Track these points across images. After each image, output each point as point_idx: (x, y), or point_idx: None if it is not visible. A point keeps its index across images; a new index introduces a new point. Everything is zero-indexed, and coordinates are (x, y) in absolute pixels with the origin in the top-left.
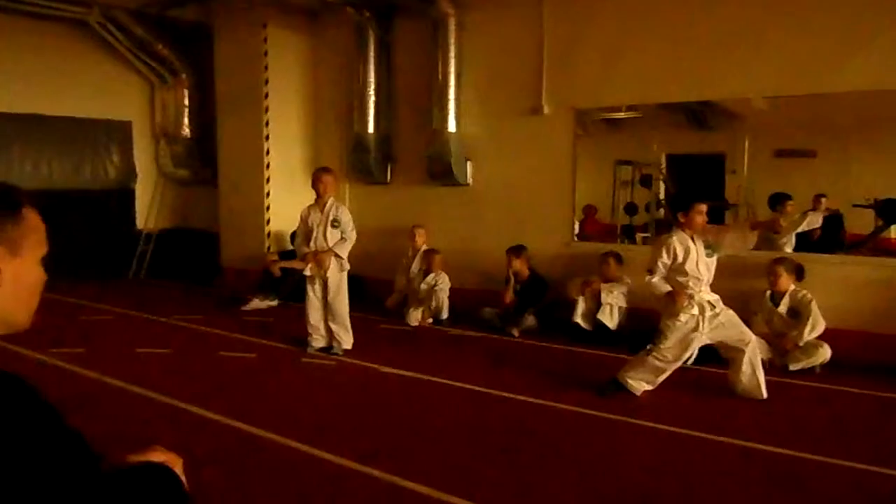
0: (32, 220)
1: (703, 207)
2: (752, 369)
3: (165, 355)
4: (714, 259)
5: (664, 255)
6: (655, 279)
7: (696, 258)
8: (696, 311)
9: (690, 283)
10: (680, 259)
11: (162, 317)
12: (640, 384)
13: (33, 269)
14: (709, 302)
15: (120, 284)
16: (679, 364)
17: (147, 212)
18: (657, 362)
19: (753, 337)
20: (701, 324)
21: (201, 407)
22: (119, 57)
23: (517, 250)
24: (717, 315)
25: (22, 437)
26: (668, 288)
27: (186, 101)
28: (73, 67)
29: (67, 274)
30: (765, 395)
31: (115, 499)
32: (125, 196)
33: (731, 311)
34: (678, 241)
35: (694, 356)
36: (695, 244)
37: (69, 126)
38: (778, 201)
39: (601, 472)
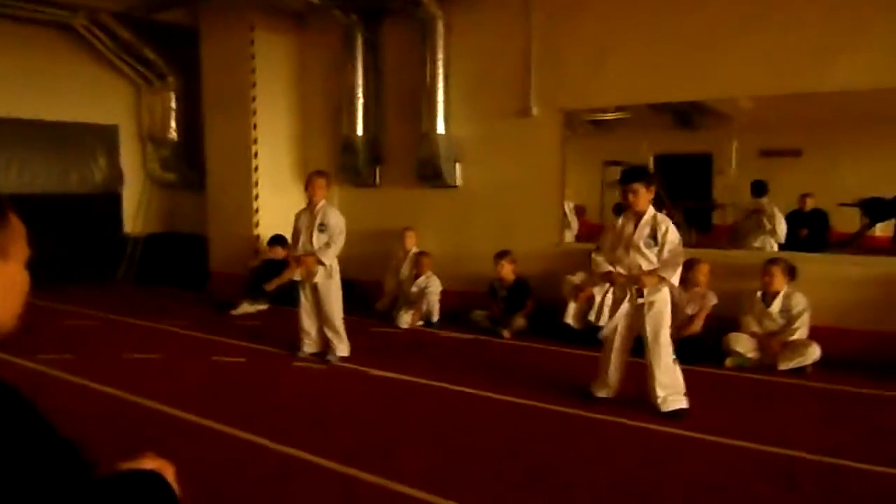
0: (16, 224)
1: (634, 187)
2: (653, 379)
3: (155, 360)
4: (652, 250)
5: (606, 233)
6: (599, 257)
7: (627, 242)
8: (619, 293)
9: (618, 266)
10: (615, 239)
11: (151, 322)
12: (598, 389)
13: (20, 272)
14: (636, 288)
15: (107, 289)
16: (614, 350)
17: (134, 216)
18: (604, 354)
19: (663, 355)
20: (624, 307)
21: (192, 412)
22: (105, 60)
23: (503, 255)
24: (641, 305)
25: (14, 445)
26: (608, 268)
27: (173, 104)
28: (58, 71)
29: (54, 279)
30: (662, 409)
31: None
32: (112, 200)
33: (655, 321)
34: (622, 221)
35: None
36: (636, 229)
37: (55, 130)
38: (762, 189)
39: (595, 470)
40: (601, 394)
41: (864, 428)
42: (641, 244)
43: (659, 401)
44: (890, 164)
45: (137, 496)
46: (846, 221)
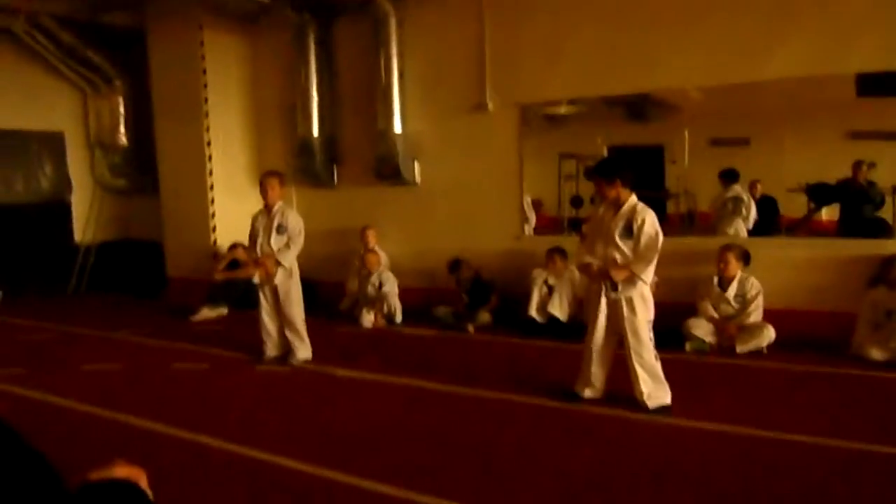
0: None
1: (596, 181)
2: (636, 376)
3: (114, 371)
4: (626, 242)
5: (589, 222)
6: (581, 248)
7: (605, 232)
8: (597, 285)
9: (595, 257)
10: (595, 229)
11: (108, 332)
12: (582, 389)
13: None
14: (611, 282)
15: (60, 301)
16: (595, 347)
17: (85, 224)
18: (585, 351)
19: (644, 352)
20: (600, 301)
21: (156, 421)
22: (48, 65)
23: (454, 267)
24: (616, 301)
25: None
26: (587, 259)
27: (122, 109)
28: None
29: (3, 292)
30: (649, 406)
31: None
32: (61, 209)
33: (632, 317)
34: (602, 210)
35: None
36: (614, 218)
37: None
38: (735, 177)
39: (565, 464)
40: (587, 394)
41: (820, 405)
42: (616, 236)
43: (644, 397)
44: (832, 150)
45: None
46: (794, 207)
